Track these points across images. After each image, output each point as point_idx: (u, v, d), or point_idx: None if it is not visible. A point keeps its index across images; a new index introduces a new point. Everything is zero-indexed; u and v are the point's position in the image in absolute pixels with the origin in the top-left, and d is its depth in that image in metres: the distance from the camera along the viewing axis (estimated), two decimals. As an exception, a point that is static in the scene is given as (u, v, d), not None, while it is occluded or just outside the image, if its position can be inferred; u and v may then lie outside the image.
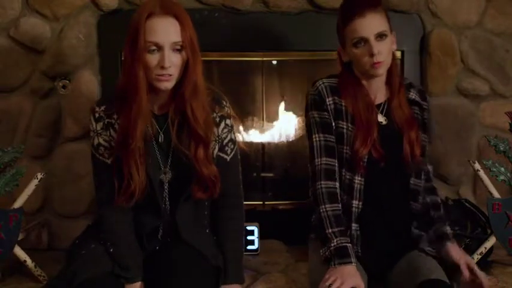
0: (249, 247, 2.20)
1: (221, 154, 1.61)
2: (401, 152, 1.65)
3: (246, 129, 2.56)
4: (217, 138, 1.59)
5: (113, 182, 1.52)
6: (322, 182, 1.63)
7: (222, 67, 2.53)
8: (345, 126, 1.65)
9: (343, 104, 1.66)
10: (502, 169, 2.05)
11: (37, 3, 2.25)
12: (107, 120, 1.54)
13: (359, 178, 1.66)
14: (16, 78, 2.29)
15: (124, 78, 1.51)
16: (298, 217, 1.98)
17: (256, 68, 2.49)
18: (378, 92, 1.69)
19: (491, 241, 2.02)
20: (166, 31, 1.44)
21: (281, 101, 2.58)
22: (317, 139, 1.66)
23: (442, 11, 2.36)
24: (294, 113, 2.59)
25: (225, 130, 1.61)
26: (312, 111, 1.68)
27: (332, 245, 1.55)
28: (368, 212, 1.65)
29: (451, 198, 2.28)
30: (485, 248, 2.02)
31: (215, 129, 1.58)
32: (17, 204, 1.94)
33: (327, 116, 1.66)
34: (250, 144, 2.55)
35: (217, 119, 1.59)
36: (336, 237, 1.56)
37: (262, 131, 2.56)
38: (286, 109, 2.58)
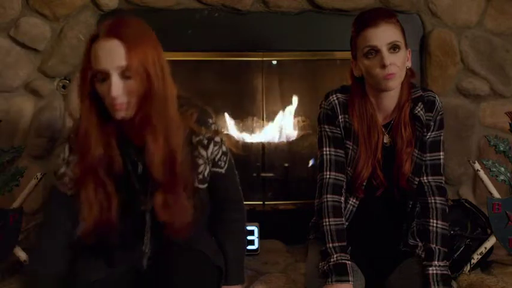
0: (249, 247, 2.19)
1: (215, 169, 1.54)
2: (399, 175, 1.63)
3: (246, 129, 2.56)
4: (207, 160, 1.51)
5: (67, 219, 1.47)
6: (329, 196, 1.61)
7: (222, 67, 2.53)
8: (350, 147, 1.64)
9: (351, 123, 1.62)
10: (502, 169, 2.05)
11: (37, 3, 2.25)
12: None
13: (354, 200, 1.66)
14: (16, 78, 2.29)
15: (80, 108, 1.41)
16: (298, 217, 1.98)
17: (256, 68, 2.49)
18: (389, 109, 1.63)
19: (491, 241, 2.02)
20: (109, 56, 1.31)
21: (281, 101, 2.58)
22: (327, 152, 1.65)
23: (442, 10, 2.36)
24: (294, 113, 2.59)
25: (215, 148, 1.51)
26: (324, 125, 1.66)
27: (331, 260, 1.54)
28: (356, 230, 1.65)
29: (451, 199, 2.28)
30: (485, 248, 2.01)
31: (204, 152, 1.49)
32: (17, 204, 1.94)
33: (338, 131, 1.64)
34: (250, 144, 2.55)
35: (205, 141, 1.48)
36: (336, 252, 1.55)
37: (262, 131, 2.56)
38: (286, 109, 2.59)
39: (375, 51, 1.53)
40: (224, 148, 1.55)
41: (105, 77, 1.31)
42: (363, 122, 1.61)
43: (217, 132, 1.51)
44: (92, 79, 1.34)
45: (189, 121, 1.45)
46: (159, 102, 1.35)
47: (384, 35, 1.52)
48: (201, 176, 1.50)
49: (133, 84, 1.32)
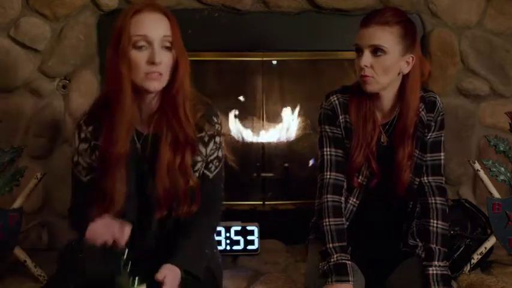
0: (249, 247, 2.20)
1: (205, 171, 1.52)
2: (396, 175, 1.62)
3: (246, 129, 2.57)
4: (204, 159, 1.50)
5: (85, 202, 1.43)
6: (329, 196, 1.61)
7: (222, 67, 2.53)
8: (349, 146, 1.63)
9: (351, 123, 1.62)
10: (502, 169, 2.05)
11: (37, 3, 2.25)
12: (93, 142, 1.46)
13: (354, 200, 1.66)
14: (16, 78, 2.29)
15: (107, 82, 1.43)
16: (298, 217, 1.98)
17: (256, 68, 2.50)
18: (385, 109, 1.62)
19: (491, 241, 2.02)
20: (155, 24, 1.38)
21: (281, 101, 2.58)
22: (327, 153, 1.65)
23: (442, 10, 2.36)
24: (294, 112, 2.59)
25: (213, 148, 1.51)
26: (324, 126, 1.65)
27: (332, 260, 1.54)
28: (356, 230, 1.65)
29: (451, 199, 2.28)
30: (485, 248, 2.02)
31: (203, 149, 1.49)
32: (17, 204, 1.94)
33: (339, 132, 1.64)
34: (250, 144, 2.55)
35: (206, 138, 1.49)
36: (336, 252, 1.55)
37: (262, 131, 2.56)
38: (286, 109, 2.59)
39: (360, 50, 1.54)
40: (220, 153, 1.54)
41: (144, 45, 1.36)
42: (359, 113, 1.60)
43: (219, 132, 1.52)
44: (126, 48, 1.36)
45: (195, 115, 1.46)
46: (188, 78, 1.43)
47: (369, 36, 1.51)
48: (196, 174, 1.49)
49: (171, 56, 1.39)
